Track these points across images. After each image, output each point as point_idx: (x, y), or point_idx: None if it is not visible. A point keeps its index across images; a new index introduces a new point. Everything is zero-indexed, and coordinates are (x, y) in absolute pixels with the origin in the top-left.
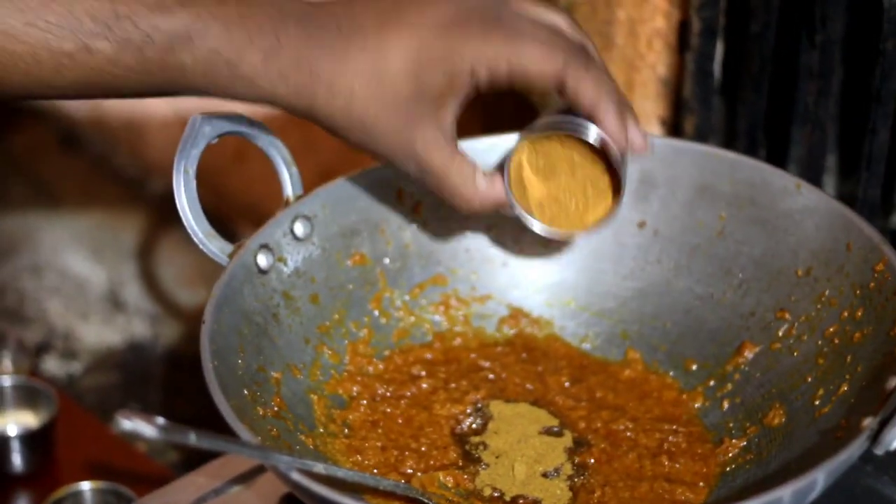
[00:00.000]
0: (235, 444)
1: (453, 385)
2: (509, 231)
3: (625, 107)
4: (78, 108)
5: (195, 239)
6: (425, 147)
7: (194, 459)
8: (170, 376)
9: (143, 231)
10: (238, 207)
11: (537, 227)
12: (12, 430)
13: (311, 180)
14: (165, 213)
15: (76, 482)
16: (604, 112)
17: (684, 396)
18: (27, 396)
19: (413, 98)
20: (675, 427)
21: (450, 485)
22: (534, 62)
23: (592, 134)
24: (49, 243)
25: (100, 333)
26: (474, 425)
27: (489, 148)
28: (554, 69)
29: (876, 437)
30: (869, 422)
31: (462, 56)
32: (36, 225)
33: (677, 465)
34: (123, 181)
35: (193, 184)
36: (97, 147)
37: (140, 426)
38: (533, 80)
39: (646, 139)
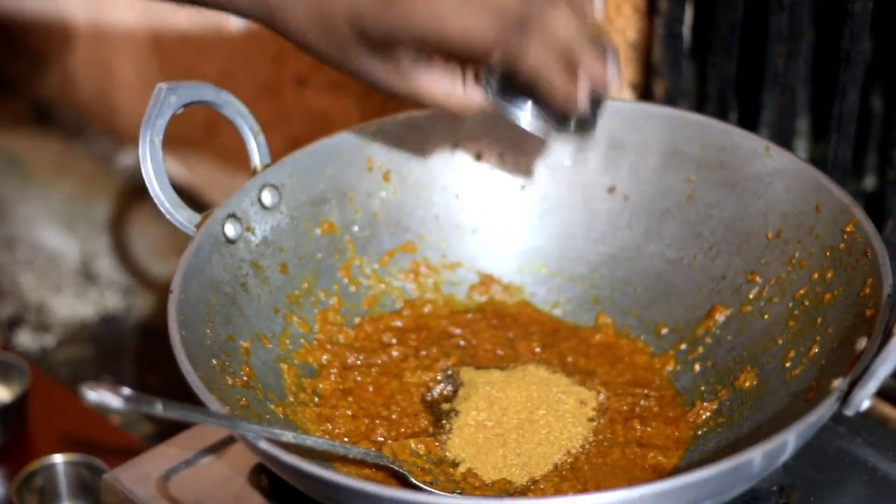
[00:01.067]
0: (203, 414)
1: (424, 352)
2: (478, 197)
3: (575, 63)
4: (50, 81)
5: (162, 209)
6: (374, 77)
7: (168, 431)
8: (143, 348)
9: (115, 204)
10: (210, 179)
11: (524, 121)
12: None
13: (283, 150)
14: (137, 186)
15: (49, 455)
16: (546, 89)
17: (655, 360)
18: (0, 370)
19: (348, 36)
20: (646, 391)
21: (421, 452)
22: (458, 33)
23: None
24: (21, 217)
25: (72, 306)
26: (445, 392)
27: None
28: (483, 42)
29: (846, 398)
30: (839, 383)
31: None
32: (8, 198)
33: (649, 429)
34: (95, 154)
35: (160, 154)
36: (69, 120)
37: (106, 397)
38: (460, 54)
39: (612, 84)
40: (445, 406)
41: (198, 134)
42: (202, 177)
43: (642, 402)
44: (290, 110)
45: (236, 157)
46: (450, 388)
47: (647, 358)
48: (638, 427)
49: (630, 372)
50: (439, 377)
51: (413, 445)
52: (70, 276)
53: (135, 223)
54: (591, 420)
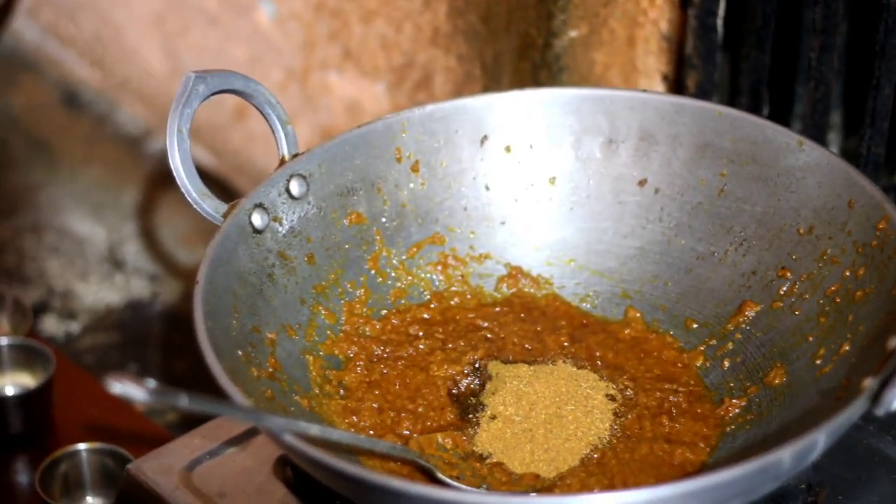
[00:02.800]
0: (228, 407)
1: (451, 345)
2: (508, 189)
3: None
4: (80, 66)
5: (189, 198)
6: None
7: (193, 420)
8: (168, 336)
9: (142, 190)
10: (238, 166)
11: None
12: (10, 391)
13: (311, 139)
14: (165, 173)
15: (74, 443)
16: None
17: (685, 356)
18: (25, 357)
19: None
20: (675, 387)
21: (448, 446)
22: None
23: None
24: (48, 202)
25: (98, 293)
26: (472, 386)
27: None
28: None
29: (877, 397)
30: (870, 382)
31: None
32: (35, 184)
33: (677, 426)
34: (123, 140)
35: (187, 143)
36: (98, 105)
37: (131, 389)
38: None
39: None
40: (472, 400)
41: (226, 119)
42: (230, 163)
43: (671, 398)
44: (318, 98)
45: (265, 144)
46: (477, 381)
47: (676, 353)
48: (666, 423)
49: (659, 367)
50: (466, 370)
51: (440, 439)
52: (96, 263)
53: (162, 210)
54: (619, 416)
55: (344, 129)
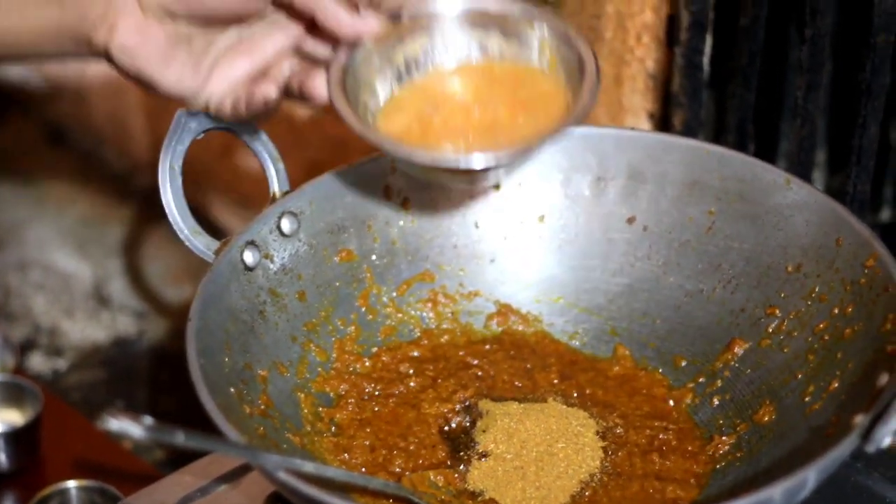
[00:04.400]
0: (223, 444)
1: (441, 383)
2: (497, 227)
3: None
4: (65, 103)
5: (181, 235)
6: None
7: (180, 458)
8: (155, 373)
9: (128, 227)
10: (226, 203)
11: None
12: None
13: (299, 176)
14: (151, 209)
15: (62, 480)
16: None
17: (674, 393)
18: (12, 394)
19: None
20: (665, 424)
21: (440, 484)
22: None
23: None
24: (35, 239)
25: (85, 330)
26: (463, 423)
27: None
28: None
29: (867, 434)
30: (860, 419)
31: None
32: (22, 221)
33: (668, 463)
34: (110, 177)
35: (179, 180)
36: (84, 143)
37: (127, 426)
38: None
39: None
40: (463, 438)
41: (212, 157)
42: (217, 200)
43: (661, 436)
44: (307, 135)
45: (250, 181)
46: (468, 419)
47: (666, 390)
48: (657, 460)
49: (648, 404)
50: (457, 408)
51: (432, 477)
52: (83, 300)
53: (148, 247)
54: (609, 453)
55: (331, 166)
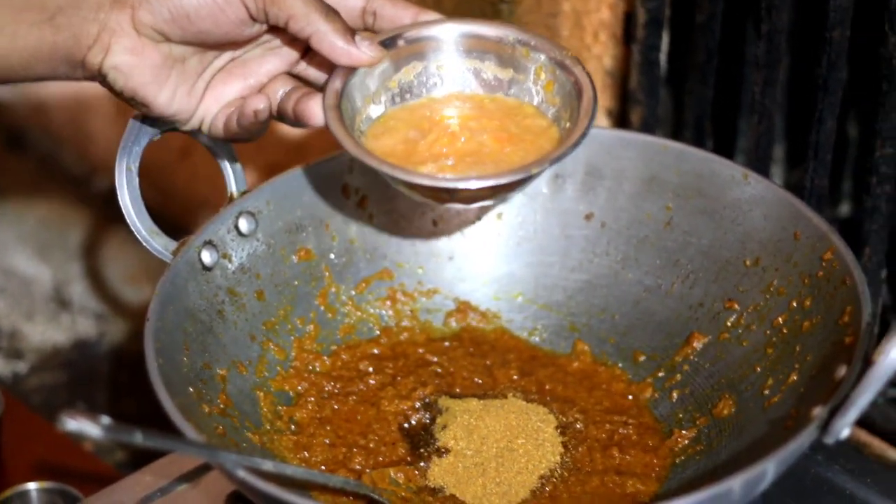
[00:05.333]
0: (182, 443)
1: (401, 380)
2: (455, 224)
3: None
4: (23, 107)
5: (138, 237)
6: None
7: (141, 458)
8: (116, 375)
9: (88, 229)
10: (185, 204)
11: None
12: None
13: (260, 179)
14: (111, 212)
15: (23, 482)
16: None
17: (633, 388)
18: None
19: None
20: (624, 419)
21: (401, 481)
22: None
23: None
24: None
25: (45, 332)
26: (423, 420)
27: None
28: None
29: (826, 426)
30: (819, 411)
31: None
32: None
33: (628, 458)
34: (69, 180)
35: (136, 181)
36: (42, 146)
37: (85, 426)
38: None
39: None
40: (423, 435)
41: (171, 158)
42: (176, 201)
43: (621, 430)
44: (267, 138)
45: (210, 181)
46: (427, 416)
47: (625, 385)
48: (617, 455)
49: (608, 399)
50: (417, 405)
51: (393, 474)
52: (42, 303)
53: (108, 249)
54: (569, 448)
55: (291, 167)
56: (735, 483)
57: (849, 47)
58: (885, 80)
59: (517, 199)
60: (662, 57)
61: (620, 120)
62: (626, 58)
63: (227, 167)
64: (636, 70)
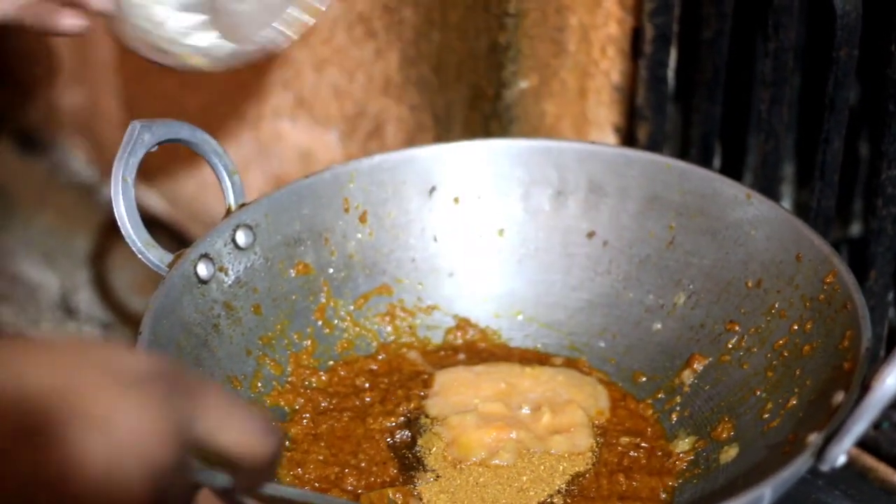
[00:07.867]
0: None
1: (389, 396)
2: (456, 241)
3: None
4: (35, 111)
5: (133, 248)
6: None
7: None
8: None
9: (95, 237)
10: (194, 214)
11: None
12: None
13: (263, 187)
14: None
15: None
16: None
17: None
18: None
19: None
20: (638, 440)
21: (399, 501)
22: None
23: None
24: (1, 249)
25: None
26: (405, 438)
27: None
28: None
29: (821, 453)
30: (814, 437)
31: None
32: None
33: (634, 483)
34: (78, 186)
35: (132, 192)
36: (53, 152)
37: None
38: None
39: None
40: (415, 452)
41: (180, 166)
42: (184, 210)
43: (632, 453)
44: (271, 146)
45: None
46: (407, 434)
47: (635, 404)
48: (622, 480)
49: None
50: (402, 420)
51: (391, 495)
52: (49, 310)
53: (115, 257)
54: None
55: (297, 177)
56: None
57: (857, 66)
58: (891, 100)
59: (519, 216)
60: (670, 73)
61: (628, 136)
62: (633, 73)
63: (226, 179)
64: (643, 86)
